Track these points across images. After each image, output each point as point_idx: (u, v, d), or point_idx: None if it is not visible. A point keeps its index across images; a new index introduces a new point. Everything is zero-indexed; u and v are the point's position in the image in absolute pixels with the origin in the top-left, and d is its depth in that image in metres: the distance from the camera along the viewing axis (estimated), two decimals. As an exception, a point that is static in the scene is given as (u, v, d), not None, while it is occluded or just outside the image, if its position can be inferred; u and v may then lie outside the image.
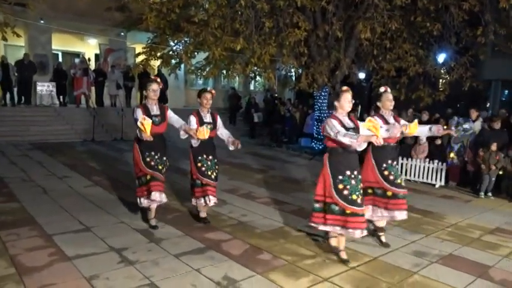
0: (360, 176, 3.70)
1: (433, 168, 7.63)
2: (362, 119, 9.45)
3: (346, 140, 3.37)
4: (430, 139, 7.91)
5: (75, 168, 7.61)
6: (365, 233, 3.61)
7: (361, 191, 3.65)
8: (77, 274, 3.22)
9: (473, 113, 7.71)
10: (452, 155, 7.48)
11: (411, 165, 7.93)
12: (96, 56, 16.15)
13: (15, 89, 12.62)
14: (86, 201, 5.39)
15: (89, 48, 16.30)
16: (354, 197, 3.55)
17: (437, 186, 7.54)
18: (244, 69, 10.29)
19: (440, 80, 12.66)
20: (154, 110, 4.26)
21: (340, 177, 3.57)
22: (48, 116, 12.39)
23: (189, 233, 4.27)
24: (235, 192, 6.09)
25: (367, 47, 10.29)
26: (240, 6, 8.99)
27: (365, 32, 9.02)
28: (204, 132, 4.15)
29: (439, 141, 7.77)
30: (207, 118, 4.51)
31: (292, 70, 13.66)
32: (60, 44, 15.05)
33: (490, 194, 6.84)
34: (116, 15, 14.22)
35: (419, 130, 4.01)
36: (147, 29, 10.68)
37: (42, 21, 12.40)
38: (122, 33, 14.81)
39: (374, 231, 4.36)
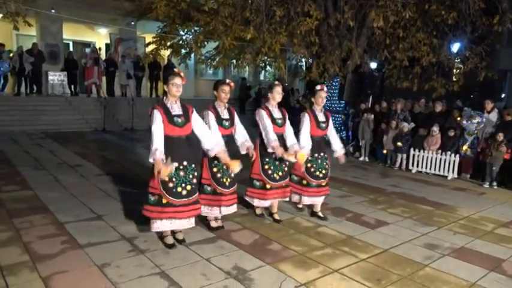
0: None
1: (445, 160, 7.52)
2: (373, 109, 9.38)
3: (265, 138, 4.18)
4: (443, 130, 7.79)
5: (86, 157, 7.69)
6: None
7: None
8: (88, 262, 3.26)
9: (488, 104, 7.56)
10: (465, 147, 7.36)
11: (423, 156, 7.83)
12: (107, 45, 16.19)
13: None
14: (97, 190, 5.44)
15: (100, 37, 16.34)
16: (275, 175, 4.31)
17: (449, 178, 7.44)
18: (254, 59, 10.22)
19: (454, 70, 12.41)
20: (176, 109, 3.55)
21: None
22: (60, 105, 12.51)
23: (198, 222, 4.27)
24: (244, 182, 6.07)
25: (380, 36, 10.11)
26: (251, -6, 8.90)
27: (377, 20, 8.85)
28: (237, 166, 3.76)
29: (451, 133, 7.64)
30: (225, 114, 4.06)
31: (303, 60, 13.48)
32: (71, 33, 15.12)
33: (494, 183, 6.82)
34: (126, 5, 14.19)
35: (332, 137, 4.79)
36: (157, 18, 10.66)
37: (53, 11, 12.43)
38: (132, 23, 14.79)
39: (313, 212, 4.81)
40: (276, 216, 4.54)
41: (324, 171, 4.62)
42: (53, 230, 3.90)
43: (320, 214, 4.72)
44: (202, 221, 4.29)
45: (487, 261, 3.69)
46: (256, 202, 4.45)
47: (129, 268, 3.18)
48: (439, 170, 7.61)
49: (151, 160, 3.37)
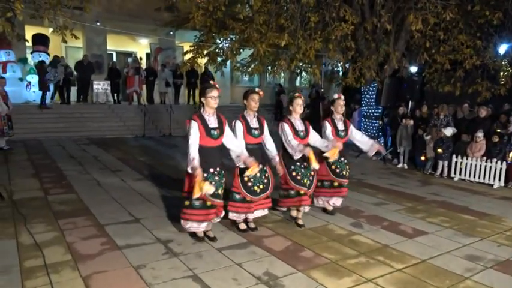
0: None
1: (490, 167, 7.13)
2: (413, 114, 9.07)
3: (289, 147, 4.26)
4: (488, 136, 7.40)
5: (126, 162, 8.01)
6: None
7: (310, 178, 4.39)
8: (125, 263, 3.39)
9: (538, 108, 7.11)
10: (511, 154, 6.94)
11: (466, 164, 7.46)
12: (147, 55, 16.84)
13: (75, 88, 13.54)
14: (135, 194, 5.65)
15: (141, 47, 17.04)
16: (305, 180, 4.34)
17: (495, 186, 7.03)
18: (289, 65, 10.22)
19: (501, 73, 11.76)
20: (212, 122, 3.74)
21: (292, 166, 4.31)
22: (103, 113, 13.14)
23: (231, 227, 4.33)
24: (277, 189, 6.07)
25: (419, 39, 9.79)
26: (285, 1, 8.94)
27: (416, 23, 8.57)
28: (255, 170, 3.88)
29: (496, 139, 7.23)
30: (254, 123, 4.10)
31: (339, 65, 13.33)
32: (114, 44, 15.88)
33: None
34: (165, 15, 14.73)
35: (358, 138, 4.95)
36: (194, 28, 10.95)
37: (98, 23, 13.14)
38: (171, 33, 15.31)
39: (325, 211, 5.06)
40: (300, 222, 4.56)
41: (345, 172, 4.86)
42: (94, 232, 4.09)
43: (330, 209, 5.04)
44: (234, 226, 4.34)
45: (535, 275, 3.46)
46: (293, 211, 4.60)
47: (164, 270, 3.27)
48: (484, 178, 7.21)
49: (189, 169, 3.61)
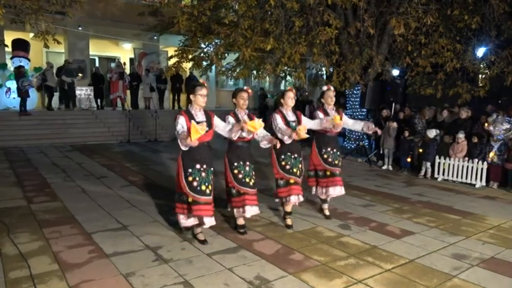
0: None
1: (472, 167, 7.31)
2: (396, 117, 9.22)
3: (279, 133, 4.37)
4: (469, 137, 7.59)
5: (112, 168, 7.89)
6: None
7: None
8: (114, 271, 3.33)
9: (515, 109, 7.33)
10: (491, 154, 7.13)
11: (449, 164, 7.63)
12: (131, 60, 16.67)
13: (58, 94, 13.29)
14: (122, 201, 5.57)
15: (124, 52, 16.86)
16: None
17: (477, 186, 7.21)
18: (274, 69, 10.27)
19: (480, 76, 12.08)
20: (199, 116, 3.83)
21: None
22: (87, 118, 12.91)
23: (221, 232, 4.32)
24: (266, 192, 6.08)
25: (401, 43, 9.99)
26: (270, 6, 8.98)
27: (398, 27, 8.74)
28: (257, 125, 3.86)
29: (475, 139, 7.42)
30: (245, 120, 4.10)
31: (323, 69, 13.47)
32: (97, 49, 15.67)
33: None
34: (149, 20, 14.63)
35: (350, 123, 4.98)
36: (178, 32, 10.92)
37: (80, 28, 12.95)
38: (155, 37, 15.21)
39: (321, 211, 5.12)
40: (289, 222, 4.62)
41: (337, 162, 4.87)
42: (81, 240, 4.02)
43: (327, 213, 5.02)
44: (224, 231, 4.32)
45: (519, 272, 3.55)
46: (292, 198, 4.51)
47: (154, 277, 3.23)
48: (466, 178, 7.38)
49: (184, 147, 3.66)
